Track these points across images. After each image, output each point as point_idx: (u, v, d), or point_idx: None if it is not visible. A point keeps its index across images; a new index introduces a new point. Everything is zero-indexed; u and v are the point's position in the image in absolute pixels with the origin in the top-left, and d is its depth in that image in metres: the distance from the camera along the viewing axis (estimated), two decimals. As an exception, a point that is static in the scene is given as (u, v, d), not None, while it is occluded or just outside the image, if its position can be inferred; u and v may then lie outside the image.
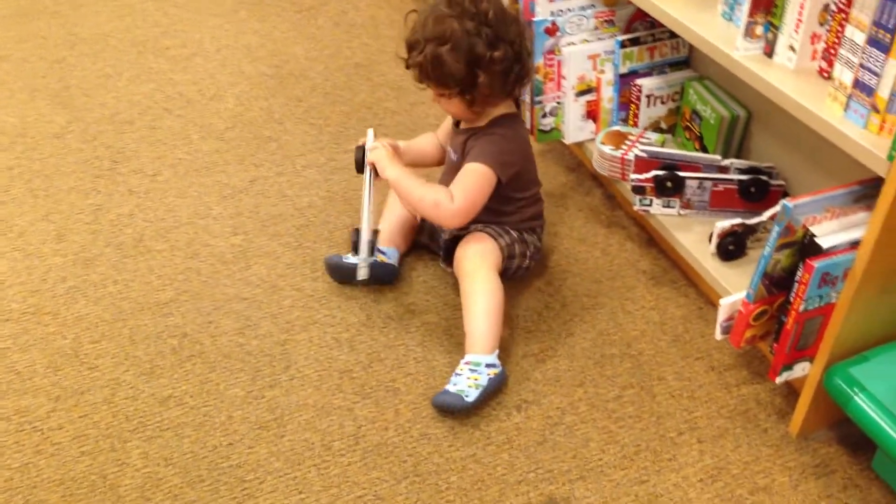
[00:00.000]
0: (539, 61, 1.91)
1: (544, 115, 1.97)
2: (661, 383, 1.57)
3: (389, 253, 1.76)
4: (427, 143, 1.82)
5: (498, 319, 1.57)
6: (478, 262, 1.61)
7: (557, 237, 1.89)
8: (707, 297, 1.73)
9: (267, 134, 2.24)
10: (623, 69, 1.89)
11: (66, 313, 1.71)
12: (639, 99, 1.90)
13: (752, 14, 1.41)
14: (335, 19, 2.82)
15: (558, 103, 1.96)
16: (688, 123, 1.90)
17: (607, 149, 1.85)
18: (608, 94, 1.93)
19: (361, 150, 1.68)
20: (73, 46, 2.64)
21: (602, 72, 1.92)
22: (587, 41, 1.91)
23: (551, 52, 1.90)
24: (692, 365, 1.60)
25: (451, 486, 1.40)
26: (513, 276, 1.72)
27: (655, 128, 1.94)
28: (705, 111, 1.82)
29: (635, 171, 1.73)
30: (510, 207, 1.69)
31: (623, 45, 1.87)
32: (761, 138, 1.79)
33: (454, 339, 1.65)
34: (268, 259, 1.84)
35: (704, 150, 1.85)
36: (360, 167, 1.68)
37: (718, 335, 1.47)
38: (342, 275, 1.75)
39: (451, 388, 1.50)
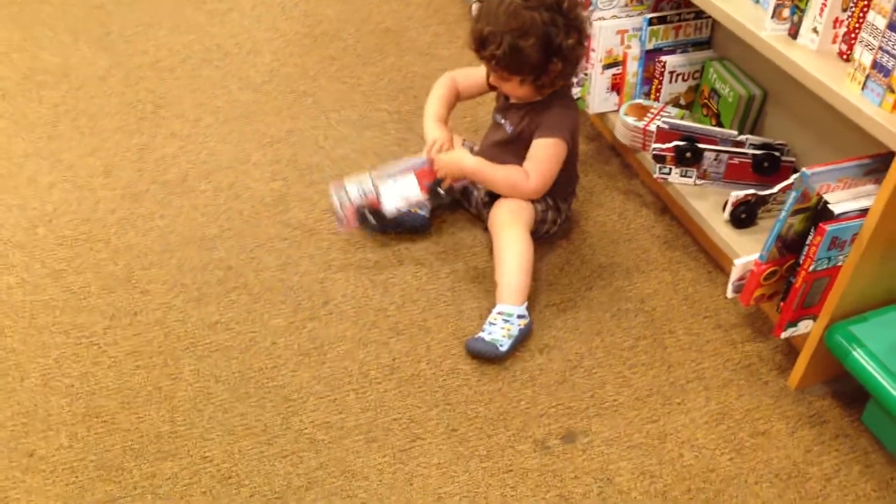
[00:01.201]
0: (571, 33, 2.01)
1: (571, 86, 2.08)
2: (672, 336, 1.69)
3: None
4: (449, 93, 1.87)
5: (528, 273, 1.69)
6: (512, 218, 1.73)
7: (577, 201, 2.01)
8: (716, 262, 1.86)
9: (302, 89, 2.34)
10: (649, 45, 2.01)
11: (116, 242, 1.82)
12: (662, 75, 2.01)
13: (780, -3, 1.52)
14: (365, -16, 2.91)
15: (585, 74, 2.07)
16: (706, 101, 2.02)
17: (630, 119, 1.97)
18: (633, 69, 2.05)
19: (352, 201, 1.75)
20: (112, -6, 2.72)
21: (629, 47, 2.03)
22: (617, 17, 2.02)
23: (583, 25, 2.01)
24: (701, 322, 1.73)
25: (479, 415, 1.52)
26: (539, 239, 1.84)
27: (675, 103, 2.06)
28: (724, 89, 1.94)
29: (657, 141, 1.85)
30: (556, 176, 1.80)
31: (651, 22, 1.98)
32: (775, 117, 1.91)
33: (482, 287, 1.77)
34: (306, 204, 1.95)
35: (721, 126, 1.97)
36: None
37: (730, 293, 1.59)
38: (372, 225, 1.85)
39: (485, 336, 1.61)
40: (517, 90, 1.72)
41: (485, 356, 1.61)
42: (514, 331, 1.63)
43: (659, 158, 1.84)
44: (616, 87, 2.08)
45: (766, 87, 1.91)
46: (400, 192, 1.76)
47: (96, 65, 2.37)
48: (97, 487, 1.38)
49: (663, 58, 2.00)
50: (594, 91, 2.07)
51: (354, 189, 1.76)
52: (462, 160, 1.73)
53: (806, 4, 1.50)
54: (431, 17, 2.72)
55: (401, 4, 2.79)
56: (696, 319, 1.73)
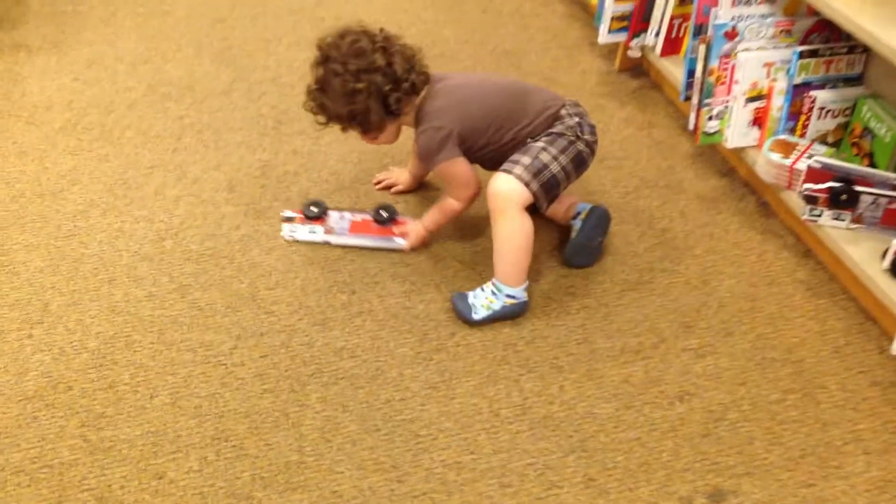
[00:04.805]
0: (713, 64, 1.93)
1: (710, 118, 1.99)
2: (824, 392, 1.57)
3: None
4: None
5: (523, 256, 1.65)
6: (500, 202, 1.64)
7: (713, 238, 1.91)
8: (867, 313, 1.73)
9: (422, 110, 2.29)
10: (797, 80, 1.90)
11: (241, 259, 1.79)
12: (811, 110, 1.90)
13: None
14: (482, 5, 2.86)
15: (726, 107, 1.97)
16: (857, 140, 1.90)
17: (776, 156, 1.86)
18: (778, 103, 1.94)
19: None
20: (233, 8, 2.73)
21: (775, 80, 1.92)
22: (764, 48, 1.92)
23: (727, 55, 1.92)
24: (855, 377, 1.60)
25: (618, 465, 1.43)
26: (580, 166, 1.73)
27: (822, 140, 1.94)
28: (880, 129, 1.82)
29: (807, 181, 1.74)
30: (512, 136, 1.72)
31: (801, 55, 1.87)
32: (937, 161, 1.78)
33: (614, 326, 1.68)
34: (430, 229, 1.89)
35: (874, 167, 1.85)
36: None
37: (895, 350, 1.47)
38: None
39: (470, 297, 1.67)
40: (370, 140, 1.79)
41: (457, 315, 1.67)
42: (496, 306, 1.65)
43: (810, 199, 1.73)
44: (758, 121, 1.97)
45: (929, 129, 1.78)
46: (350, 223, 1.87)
47: (219, 79, 2.37)
48: (225, 516, 1.33)
49: (813, 93, 1.89)
50: (734, 125, 1.97)
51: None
52: (413, 233, 1.82)
53: None
54: (551, 41, 2.66)
55: (518, 27, 2.74)
56: (850, 374, 1.61)
